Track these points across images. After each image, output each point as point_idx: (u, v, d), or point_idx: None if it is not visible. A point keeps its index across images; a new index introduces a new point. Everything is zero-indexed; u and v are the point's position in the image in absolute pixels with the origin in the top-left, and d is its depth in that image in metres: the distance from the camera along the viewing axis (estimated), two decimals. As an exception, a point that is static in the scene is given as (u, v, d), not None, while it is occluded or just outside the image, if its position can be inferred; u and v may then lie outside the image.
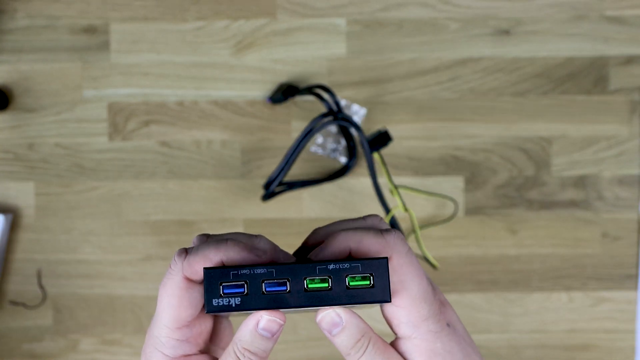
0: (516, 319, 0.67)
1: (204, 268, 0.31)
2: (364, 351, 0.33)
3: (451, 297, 0.67)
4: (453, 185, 0.67)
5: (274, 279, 0.31)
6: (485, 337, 0.68)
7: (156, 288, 0.67)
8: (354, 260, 0.31)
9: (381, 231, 0.33)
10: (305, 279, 0.31)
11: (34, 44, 0.68)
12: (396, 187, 0.64)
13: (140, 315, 0.68)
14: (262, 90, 0.67)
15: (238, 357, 0.32)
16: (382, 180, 0.66)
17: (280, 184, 0.64)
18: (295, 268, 0.31)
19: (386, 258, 0.31)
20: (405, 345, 0.33)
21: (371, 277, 0.31)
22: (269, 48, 0.67)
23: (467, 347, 0.34)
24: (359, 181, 0.67)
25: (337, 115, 0.62)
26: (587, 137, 0.67)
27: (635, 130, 0.67)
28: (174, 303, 0.33)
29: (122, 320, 0.68)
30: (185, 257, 0.33)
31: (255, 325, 0.32)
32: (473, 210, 0.67)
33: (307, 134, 0.61)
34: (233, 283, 0.31)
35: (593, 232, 0.67)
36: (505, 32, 0.67)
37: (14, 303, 0.68)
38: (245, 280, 0.31)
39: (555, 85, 0.67)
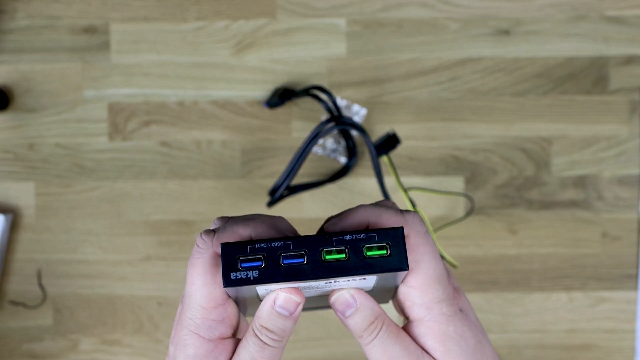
0: (516, 319, 0.68)
1: (222, 243, 0.31)
2: (377, 334, 0.33)
3: (451, 297, 0.67)
4: (453, 185, 0.67)
5: (291, 252, 0.31)
6: (485, 337, 0.68)
7: (157, 288, 0.67)
8: (370, 230, 0.31)
9: (400, 210, 0.33)
10: (322, 250, 0.31)
11: (34, 44, 0.68)
12: (405, 190, 0.63)
13: (140, 315, 0.68)
14: (262, 90, 0.67)
15: (256, 335, 0.32)
16: (388, 181, 0.65)
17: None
18: (312, 240, 0.31)
19: (402, 227, 0.31)
20: (417, 329, 0.33)
21: (388, 247, 0.31)
22: (269, 48, 0.67)
23: (478, 333, 0.34)
24: (359, 181, 0.67)
25: (341, 120, 0.62)
26: (587, 137, 0.67)
27: (635, 130, 0.67)
28: (207, 280, 0.32)
29: (122, 320, 0.68)
30: (215, 235, 0.32)
31: (273, 303, 0.32)
32: (477, 210, 0.67)
33: (312, 140, 0.61)
34: (251, 257, 0.30)
35: (593, 232, 0.67)
36: (505, 32, 0.67)
37: (14, 303, 0.68)
38: (262, 253, 0.31)
39: (555, 85, 0.67)
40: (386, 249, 0.31)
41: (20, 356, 0.67)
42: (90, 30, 0.68)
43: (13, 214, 0.67)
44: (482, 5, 0.67)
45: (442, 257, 0.66)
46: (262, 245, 0.31)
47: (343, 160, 0.67)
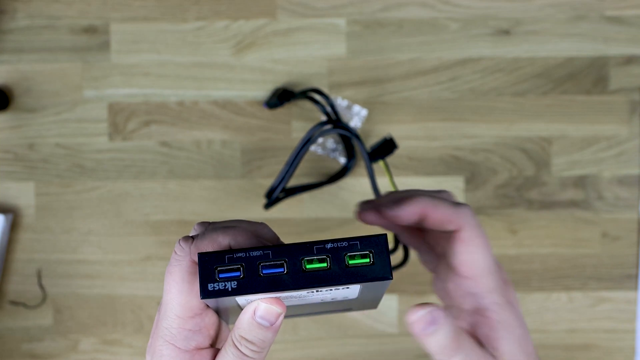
0: (516, 319, 0.67)
1: (198, 253, 0.30)
2: (461, 351, 0.32)
3: (451, 297, 0.67)
4: (453, 185, 0.67)
5: (271, 261, 0.30)
6: (485, 337, 0.68)
7: (157, 288, 0.67)
8: (352, 238, 0.30)
9: (455, 203, 0.33)
10: (302, 259, 0.30)
11: (34, 44, 0.68)
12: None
13: (140, 315, 0.68)
14: (262, 90, 0.67)
15: (236, 346, 0.31)
16: (382, 180, 0.65)
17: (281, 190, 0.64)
18: (292, 248, 0.30)
19: (385, 235, 0.30)
20: (471, 317, 0.33)
21: (371, 255, 0.30)
22: (269, 48, 0.67)
23: (524, 325, 0.34)
24: (358, 181, 0.67)
25: (337, 124, 0.61)
26: (587, 137, 0.67)
27: (635, 130, 0.67)
28: (184, 289, 0.31)
29: (122, 320, 0.68)
30: (193, 242, 0.31)
31: (253, 314, 0.31)
32: (476, 210, 0.67)
33: (306, 143, 0.61)
34: (229, 267, 0.29)
35: (593, 232, 0.67)
36: (505, 32, 0.67)
37: (14, 303, 0.68)
38: (241, 263, 0.30)
39: (555, 85, 0.67)
40: (369, 258, 0.30)
41: (20, 356, 0.67)
42: (90, 30, 0.68)
43: (13, 214, 0.67)
44: (482, 5, 0.67)
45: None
46: (240, 254, 0.30)
47: (342, 160, 0.67)
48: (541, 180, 0.67)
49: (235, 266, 0.29)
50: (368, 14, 0.67)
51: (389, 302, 0.67)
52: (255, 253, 0.30)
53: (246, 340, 0.31)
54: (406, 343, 0.68)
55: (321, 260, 0.30)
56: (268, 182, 0.67)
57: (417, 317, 0.32)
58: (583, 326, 0.68)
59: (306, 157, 0.67)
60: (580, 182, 0.67)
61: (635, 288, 0.67)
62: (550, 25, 0.67)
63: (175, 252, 0.32)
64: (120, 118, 0.67)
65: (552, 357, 0.68)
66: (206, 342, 0.33)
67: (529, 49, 0.67)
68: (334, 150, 0.67)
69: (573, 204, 0.67)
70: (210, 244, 0.31)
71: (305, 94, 0.65)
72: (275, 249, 0.30)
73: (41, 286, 0.68)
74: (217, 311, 0.33)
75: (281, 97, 0.65)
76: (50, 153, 0.68)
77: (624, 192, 0.67)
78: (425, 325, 0.32)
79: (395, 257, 0.64)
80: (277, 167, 0.67)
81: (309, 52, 0.67)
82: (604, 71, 0.67)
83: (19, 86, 0.68)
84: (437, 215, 0.33)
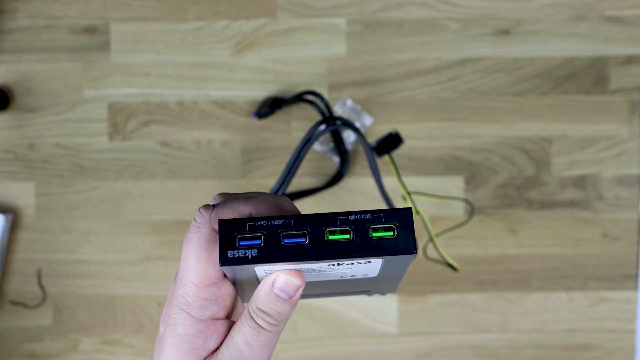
0: (516, 319, 0.67)
1: (219, 220, 0.29)
2: None
3: (451, 297, 0.67)
4: (453, 185, 0.67)
5: (293, 231, 0.29)
6: (485, 337, 0.68)
7: (157, 288, 0.67)
8: (377, 210, 0.29)
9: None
10: (325, 230, 0.29)
11: (34, 44, 0.68)
12: (409, 192, 0.63)
13: (140, 315, 0.68)
14: (262, 90, 0.67)
15: (252, 318, 0.30)
16: (387, 181, 0.65)
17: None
18: (314, 219, 0.29)
19: (410, 208, 0.29)
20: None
21: (395, 228, 0.29)
22: (269, 48, 0.67)
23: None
24: (359, 181, 0.67)
25: (333, 121, 0.61)
26: (587, 137, 0.67)
27: (635, 130, 0.67)
28: (202, 256, 0.30)
29: (122, 320, 0.68)
30: (213, 210, 0.31)
31: (271, 285, 0.30)
32: (473, 210, 0.67)
33: (306, 144, 0.60)
34: (250, 235, 0.29)
35: (593, 232, 0.67)
36: (505, 32, 0.67)
37: (14, 303, 0.67)
38: (262, 232, 0.29)
39: (555, 85, 0.67)
40: (393, 231, 0.29)
41: (20, 356, 0.67)
42: (90, 30, 0.68)
43: (13, 214, 0.67)
44: (482, 5, 0.67)
45: (444, 260, 0.66)
46: (262, 223, 0.29)
47: (336, 160, 0.67)
48: (541, 180, 0.67)
49: (256, 234, 0.29)
50: (368, 14, 0.67)
51: (389, 302, 0.67)
52: (277, 222, 0.29)
53: (263, 312, 0.30)
54: (406, 343, 0.68)
55: (344, 232, 0.29)
56: (268, 182, 0.67)
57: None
58: (583, 326, 0.68)
59: (306, 156, 0.67)
60: (580, 182, 0.67)
61: (635, 288, 0.67)
62: (550, 25, 0.67)
63: (195, 220, 0.31)
64: (120, 118, 0.67)
65: (552, 357, 0.68)
66: (222, 312, 0.32)
67: (529, 49, 0.67)
68: (333, 149, 0.67)
69: (573, 204, 0.67)
70: (232, 212, 0.30)
71: (301, 97, 0.65)
72: (298, 218, 0.29)
73: (41, 286, 0.68)
74: (234, 284, 0.32)
75: (272, 104, 0.65)
76: (50, 153, 0.68)
77: (624, 192, 0.67)
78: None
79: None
80: (277, 167, 0.67)
81: (309, 52, 0.67)
82: (604, 71, 0.67)
83: (19, 86, 0.68)
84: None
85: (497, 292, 0.68)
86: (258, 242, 0.29)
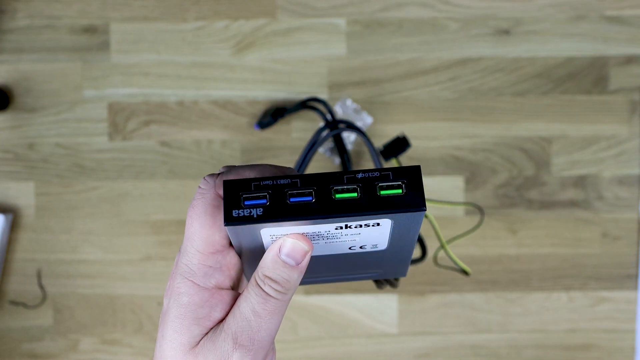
0: (516, 319, 0.67)
1: (224, 180, 0.28)
2: None
3: (451, 297, 0.67)
4: (453, 185, 0.67)
5: (299, 190, 0.28)
6: (485, 337, 0.68)
7: (157, 288, 0.67)
8: (385, 169, 0.28)
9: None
10: (332, 188, 0.28)
11: (34, 44, 0.68)
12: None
13: (140, 315, 0.68)
14: (262, 90, 0.67)
15: (259, 285, 0.30)
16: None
17: None
18: (321, 177, 0.28)
19: (419, 166, 0.29)
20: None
21: (403, 185, 0.28)
22: (269, 48, 0.67)
23: None
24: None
25: (338, 125, 0.61)
26: (587, 137, 0.67)
27: (635, 130, 0.67)
28: (207, 222, 0.30)
29: (122, 320, 0.68)
30: (218, 177, 0.30)
31: (278, 251, 0.29)
32: (473, 211, 0.67)
33: (311, 148, 0.60)
34: (255, 195, 0.28)
35: (593, 232, 0.67)
36: (505, 32, 0.67)
37: (14, 303, 0.67)
38: (268, 191, 0.28)
39: (555, 85, 0.67)
40: (402, 188, 0.28)
41: (20, 356, 0.67)
42: (90, 30, 0.68)
43: (13, 214, 0.67)
44: (482, 5, 0.67)
45: (456, 264, 0.65)
46: (267, 182, 0.28)
47: (337, 161, 0.67)
48: (541, 180, 0.67)
49: (262, 194, 0.28)
50: (368, 14, 0.67)
51: (389, 302, 0.67)
52: (283, 181, 0.28)
53: (270, 279, 0.30)
54: (406, 343, 0.68)
55: (351, 190, 0.28)
56: (268, 182, 0.67)
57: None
58: (583, 326, 0.68)
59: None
60: (580, 182, 0.67)
61: (635, 288, 0.67)
62: (550, 25, 0.67)
63: (200, 187, 0.30)
64: (120, 118, 0.67)
65: (552, 357, 0.68)
66: (227, 282, 0.31)
67: (529, 49, 0.67)
68: (332, 149, 0.67)
69: (573, 204, 0.67)
70: (237, 177, 0.30)
71: (305, 104, 0.65)
72: (304, 177, 0.29)
73: (41, 286, 0.68)
74: (240, 257, 0.32)
75: (275, 114, 0.65)
76: (50, 153, 0.68)
77: (624, 192, 0.67)
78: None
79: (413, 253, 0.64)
80: (277, 167, 0.67)
81: (309, 52, 0.67)
82: (604, 71, 0.67)
83: (19, 86, 0.68)
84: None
85: (497, 292, 0.68)
86: (263, 201, 0.28)
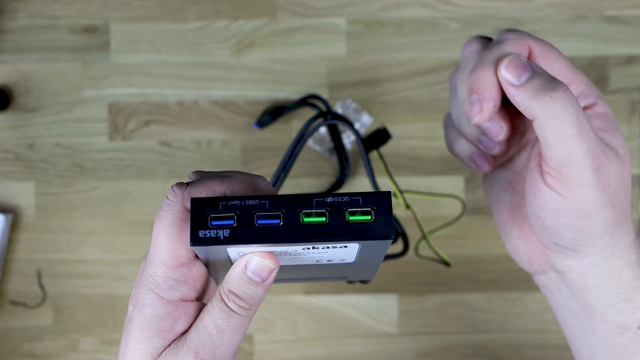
0: (516, 319, 0.67)
1: (191, 198, 0.28)
2: (558, 94, 0.32)
3: (451, 297, 0.67)
4: (453, 185, 0.67)
5: (267, 212, 0.28)
6: (485, 337, 0.68)
7: (156, 288, 0.67)
8: (355, 194, 0.28)
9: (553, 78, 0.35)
10: (300, 212, 0.28)
11: (34, 44, 0.68)
12: (400, 189, 0.63)
13: (140, 315, 0.68)
14: (262, 90, 0.67)
15: (223, 300, 0.30)
16: (383, 180, 0.65)
17: None
18: (290, 200, 0.28)
19: (389, 192, 0.28)
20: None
21: (373, 212, 0.28)
22: (269, 48, 0.67)
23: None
24: (358, 181, 0.67)
25: (327, 116, 0.60)
26: (587, 137, 0.67)
27: (635, 130, 0.67)
28: (173, 235, 0.30)
29: (122, 320, 0.68)
30: (187, 188, 0.30)
31: (244, 268, 0.29)
32: (473, 210, 0.67)
33: (300, 140, 0.60)
34: (222, 215, 0.28)
35: (593, 232, 0.67)
36: (505, 32, 0.67)
37: (14, 303, 0.68)
38: (235, 212, 0.28)
39: (555, 85, 0.67)
40: (371, 215, 0.28)
41: (20, 356, 0.67)
42: (90, 30, 0.68)
43: (13, 214, 0.67)
44: (482, 5, 0.67)
45: (437, 255, 0.66)
46: (235, 202, 0.28)
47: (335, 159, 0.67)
48: (541, 180, 0.67)
49: (229, 214, 0.28)
50: (368, 14, 0.67)
51: (389, 302, 0.67)
52: (251, 202, 0.28)
53: (235, 295, 0.29)
54: (406, 343, 0.68)
55: (320, 214, 0.28)
56: (268, 182, 0.67)
57: (505, 63, 0.32)
58: (583, 326, 0.68)
59: (306, 156, 0.67)
60: (580, 182, 0.67)
61: (635, 288, 0.67)
62: (550, 25, 0.67)
63: (167, 198, 0.30)
64: (120, 118, 0.68)
65: (552, 357, 0.68)
66: (192, 294, 0.31)
67: (529, 49, 0.67)
68: (331, 148, 0.67)
69: (573, 204, 0.67)
70: (205, 191, 0.29)
71: (306, 101, 0.65)
72: (273, 199, 0.28)
73: (41, 286, 0.68)
74: (207, 265, 0.32)
75: (274, 113, 0.65)
76: (50, 153, 0.68)
77: (624, 192, 0.67)
78: (517, 72, 0.32)
79: (395, 247, 0.64)
80: (277, 167, 0.67)
81: (309, 52, 0.67)
82: (604, 71, 0.67)
83: (19, 86, 0.68)
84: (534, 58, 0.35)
85: (497, 292, 0.68)
86: (231, 222, 0.28)
